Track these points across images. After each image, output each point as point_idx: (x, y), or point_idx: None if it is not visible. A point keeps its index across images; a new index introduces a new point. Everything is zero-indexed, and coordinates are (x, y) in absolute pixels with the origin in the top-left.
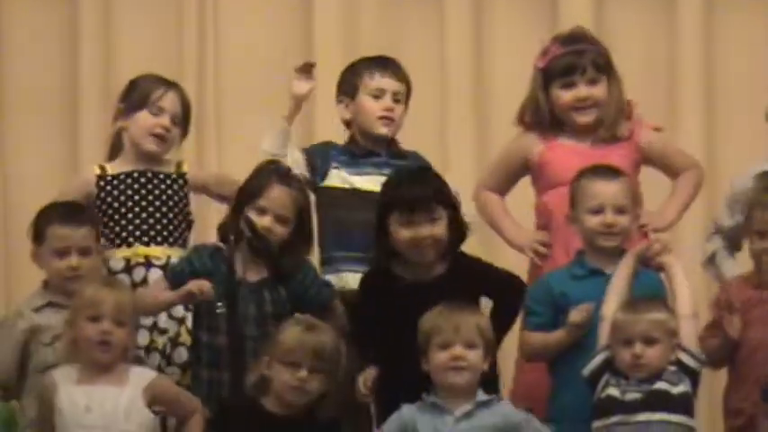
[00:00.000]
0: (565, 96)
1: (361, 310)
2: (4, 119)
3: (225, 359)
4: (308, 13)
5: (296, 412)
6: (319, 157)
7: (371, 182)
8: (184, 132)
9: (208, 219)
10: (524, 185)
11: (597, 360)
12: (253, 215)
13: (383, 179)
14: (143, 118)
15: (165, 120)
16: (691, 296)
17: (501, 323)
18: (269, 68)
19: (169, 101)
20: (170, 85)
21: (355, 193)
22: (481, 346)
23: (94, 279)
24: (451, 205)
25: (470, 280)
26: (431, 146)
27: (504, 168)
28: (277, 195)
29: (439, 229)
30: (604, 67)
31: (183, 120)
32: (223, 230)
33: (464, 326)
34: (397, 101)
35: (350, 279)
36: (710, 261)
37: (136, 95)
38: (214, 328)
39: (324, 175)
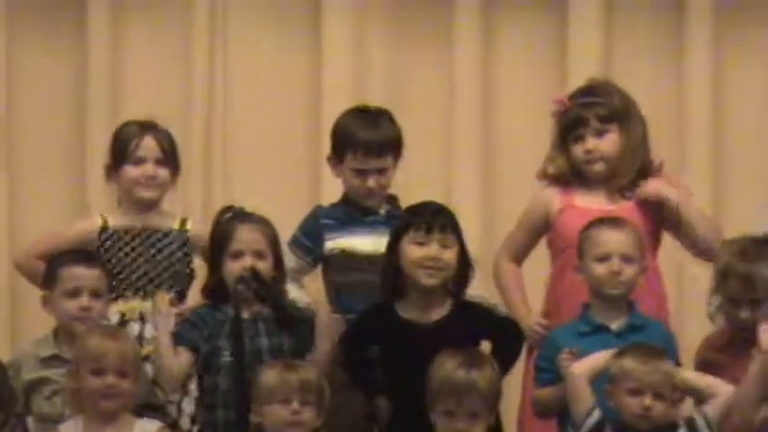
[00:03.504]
0: (576, 150)
1: (357, 344)
2: (12, 168)
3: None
4: (317, 54)
5: None
6: (310, 240)
7: (366, 243)
8: (175, 170)
9: None
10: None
11: (588, 425)
12: (230, 263)
13: (379, 239)
14: (127, 172)
15: (147, 168)
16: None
17: (500, 366)
18: (277, 114)
19: (145, 147)
20: (144, 129)
21: (348, 255)
22: (485, 413)
23: (96, 329)
24: (461, 241)
25: (472, 326)
26: (436, 186)
27: (527, 226)
28: (246, 234)
29: (450, 255)
30: (611, 118)
31: (168, 158)
32: (208, 292)
33: (467, 397)
34: (382, 171)
35: None
36: (718, 311)
37: (116, 151)
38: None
39: (320, 256)
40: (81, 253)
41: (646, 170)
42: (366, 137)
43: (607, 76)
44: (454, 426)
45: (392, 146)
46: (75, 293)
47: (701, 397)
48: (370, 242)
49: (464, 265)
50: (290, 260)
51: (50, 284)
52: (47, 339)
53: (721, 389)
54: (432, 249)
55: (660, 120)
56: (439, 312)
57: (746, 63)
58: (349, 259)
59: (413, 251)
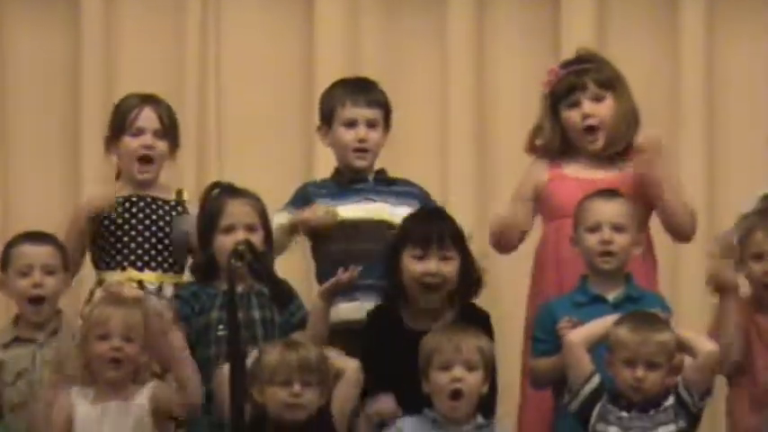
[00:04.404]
0: (572, 116)
1: (366, 349)
2: (6, 145)
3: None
4: (310, 36)
5: None
6: (299, 201)
7: (357, 210)
8: (174, 143)
9: None
10: None
11: (586, 391)
12: (222, 238)
13: (369, 206)
14: (126, 143)
15: (146, 138)
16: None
17: None
18: (270, 91)
19: (145, 118)
20: (144, 100)
21: (342, 224)
22: (481, 367)
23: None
24: (465, 250)
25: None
26: (431, 170)
27: (520, 201)
28: (237, 208)
29: (449, 268)
30: (608, 84)
31: (167, 131)
32: (198, 270)
33: (465, 347)
34: (372, 127)
35: (342, 310)
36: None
37: (116, 121)
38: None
39: None
40: (34, 232)
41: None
42: (354, 91)
43: (600, 52)
44: (451, 375)
45: (380, 103)
46: (26, 271)
47: (692, 356)
48: (359, 209)
49: (467, 276)
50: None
51: (5, 266)
52: (7, 327)
53: (702, 348)
54: (431, 264)
55: (654, 96)
56: (444, 320)
57: (740, 40)
58: (340, 228)
59: (411, 267)
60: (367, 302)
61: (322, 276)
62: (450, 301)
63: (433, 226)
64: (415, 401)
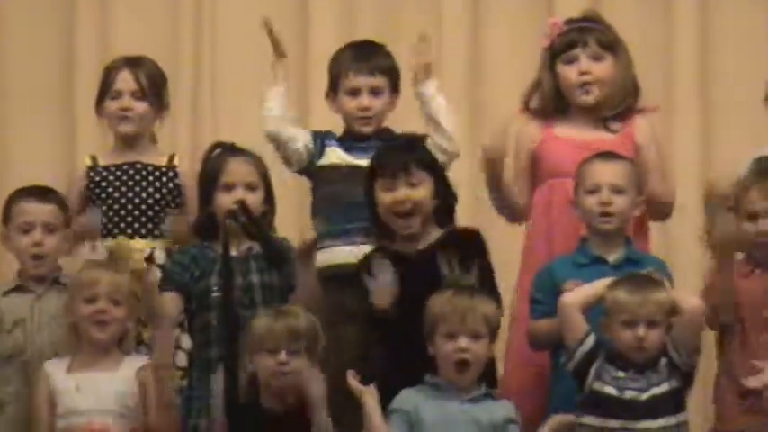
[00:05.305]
0: (568, 72)
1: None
2: (1, 109)
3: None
4: (304, 3)
5: (294, 407)
6: (317, 136)
7: (360, 160)
8: (158, 105)
9: None
10: None
11: (581, 351)
12: (221, 196)
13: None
14: (107, 106)
15: (123, 101)
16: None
17: None
18: (265, 58)
19: (121, 81)
20: (124, 63)
21: (351, 168)
22: (487, 335)
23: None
24: (436, 173)
25: (459, 250)
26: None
27: (519, 167)
28: (237, 166)
29: (418, 193)
30: (609, 46)
31: (146, 93)
32: (199, 229)
33: (470, 317)
34: (376, 94)
35: (338, 253)
36: None
37: (101, 86)
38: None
39: (321, 153)
40: (37, 188)
41: (632, 108)
42: (358, 59)
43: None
44: (456, 345)
45: (384, 69)
46: (27, 228)
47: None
48: (363, 161)
49: (443, 196)
50: None
51: (6, 220)
52: (12, 279)
53: (686, 304)
54: (399, 193)
55: (648, 60)
56: (425, 242)
57: (733, 3)
58: (343, 173)
59: (382, 198)
60: (363, 246)
61: (317, 215)
62: (438, 224)
63: (397, 156)
64: (411, 333)
